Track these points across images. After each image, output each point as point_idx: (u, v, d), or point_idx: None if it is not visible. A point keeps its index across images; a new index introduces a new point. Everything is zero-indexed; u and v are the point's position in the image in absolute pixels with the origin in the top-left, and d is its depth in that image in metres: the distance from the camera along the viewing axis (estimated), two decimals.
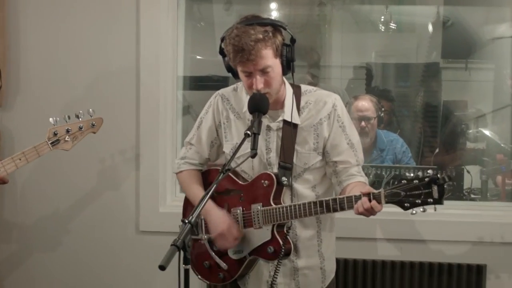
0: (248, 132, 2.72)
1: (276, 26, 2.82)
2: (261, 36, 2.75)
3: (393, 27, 4.48)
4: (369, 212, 2.71)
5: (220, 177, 2.61)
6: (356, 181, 2.90)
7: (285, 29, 2.83)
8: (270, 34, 2.78)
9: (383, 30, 4.49)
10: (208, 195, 2.52)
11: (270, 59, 2.79)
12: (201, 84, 4.40)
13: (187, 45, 4.23)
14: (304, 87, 3.04)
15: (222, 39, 2.87)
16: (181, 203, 3.92)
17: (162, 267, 2.22)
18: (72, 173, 4.02)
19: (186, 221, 2.39)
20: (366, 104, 4.14)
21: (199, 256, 3.15)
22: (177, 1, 4.04)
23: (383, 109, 4.24)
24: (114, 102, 4.00)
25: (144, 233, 4.06)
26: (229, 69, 2.92)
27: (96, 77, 4.04)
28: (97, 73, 4.04)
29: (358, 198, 2.72)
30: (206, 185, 3.13)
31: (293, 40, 2.85)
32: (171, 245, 2.29)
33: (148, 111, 3.99)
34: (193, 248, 3.13)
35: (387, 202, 2.68)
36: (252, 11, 4.36)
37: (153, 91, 3.98)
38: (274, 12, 4.43)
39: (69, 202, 4.12)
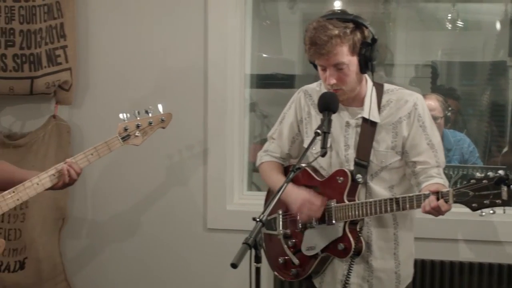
0: (318, 131, 2.73)
1: (358, 23, 2.82)
2: (337, 32, 2.76)
3: (460, 25, 4.44)
4: (436, 211, 2.68)
5: (291, 176, 2.61)
6: (434, 183, 2.86)
7: (367, 27, 2.84)
8: (348, 31, 2.79)
9: (449, 28, 4.45)
10: (280, 192, 2.53)
11: (345, 56, 2.80)
12: (266, 82, 4.43)
13: (254, 43, 4.25)
14: (387, 86, 3.03)
15: (307, 30, 2.90)
16: (249, 201, 4.06)
17: (234, 265, 2.23)
18: (141, 169, 4.07)
19: (258, 219, 2.40)
20: (432, 103, 4.08)
21: (275, 252, 3.17)
22: (245, 0, 4.04)
23: (449, 108, 4.20)
24: (182, 99, 4.03)
25: (211, 231, 4.09)
26: (311, 61, 2.94)
27: (164, 75, 4.08)
28: (165, 71, 4.08)
29: (426, 196, 2.70)
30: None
31: (374, 40, 2.84)
32: (243, 243, 2.30)
33: (215, 108, 4.02)
34: (270, 244, 3.18)
35: (455, 202, 2.66)
36: (317, 9, 4.50)
37: (220, 88, 4.00)
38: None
39: (138, 198, 4.18)
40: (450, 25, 4.42)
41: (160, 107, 3.24)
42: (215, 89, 3.99)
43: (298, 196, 2.98)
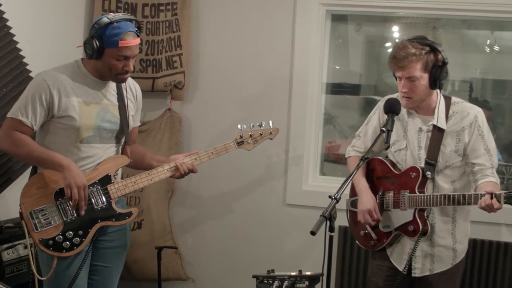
0: (383, 128, 3.12)
1: (433, 48, 3.20)
2: (413, 51, 3.14)
3: (497, 50, 4.68)
4: (490, 208, 3.07)
5: (360, 164, 3.00)
6: (488, 181, 3.23)
7: (440, 52, 3.22)
8: (423, 52, 3.16)
9: (487, 51, 4.69)
10: (350, 179, 2.89)
11: (418, 72, 3.17)
12: (335, 89, 4.88)
13: (330, 57, 4.75)
14: (454, 99, 3.39)
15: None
16: (320, 184, 4.56)
17: (312, 233, 2.50)
18: (238, 158, 4.36)
19: (333, 197, 2.70)
20: None
21: (357, 226, 3.53)
22: (325, 23, 4.59)
23: None
24: (269, 99, 4.59)
25: (289, 206, 4.63)
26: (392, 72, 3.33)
27: (257, 80, 4.62)
28: (258, 77, 4.62)
29: (482, 195, 3.08)
30: (368, 169, 3.56)
31: (444, 63, 3.22)
32: (320, 215, 2.57)
33: (297, 109, 4.54)
34: (354, 220, 3.53)
35: (505, 203, 3.05)
36: (377, 32, 4.99)
37: (302, 93, 4.52)
38: (396, 34, 4.83)
39: (233, 179, 4.71)
40: (488, 49, 4.73)
41: (270, 122, 3.59)
42: (298, 93, 4.53)
43: (367, 203, 3.36)
